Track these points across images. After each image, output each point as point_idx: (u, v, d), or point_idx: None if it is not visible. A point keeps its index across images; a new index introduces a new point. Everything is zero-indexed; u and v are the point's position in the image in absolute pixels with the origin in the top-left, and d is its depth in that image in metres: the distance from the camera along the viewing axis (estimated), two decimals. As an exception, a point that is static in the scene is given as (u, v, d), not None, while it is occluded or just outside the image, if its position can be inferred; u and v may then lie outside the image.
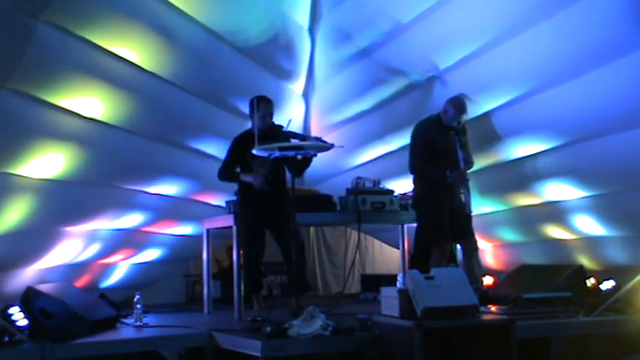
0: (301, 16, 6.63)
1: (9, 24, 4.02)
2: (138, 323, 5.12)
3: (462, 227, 5.48)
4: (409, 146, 5.67)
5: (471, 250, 5.55)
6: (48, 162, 4.80)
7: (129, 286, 6.56)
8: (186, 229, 6.97)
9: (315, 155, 4.96)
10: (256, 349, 4.05)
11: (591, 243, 5.89)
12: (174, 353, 5.36)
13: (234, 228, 5.53)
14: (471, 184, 5.54)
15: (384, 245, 8.73)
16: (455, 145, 5.35)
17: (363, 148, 6.97)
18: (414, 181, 5.68)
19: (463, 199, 5.47)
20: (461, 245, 5.63)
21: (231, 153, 5.36)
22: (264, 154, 4.74)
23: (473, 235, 5.57)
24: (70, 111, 4.74)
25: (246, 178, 5.24)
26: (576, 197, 5.62)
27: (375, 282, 7.00)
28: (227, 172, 5.37)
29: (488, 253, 7.01)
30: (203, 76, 5.69)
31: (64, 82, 4.57)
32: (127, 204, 5.96)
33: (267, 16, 6.00)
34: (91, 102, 4.85)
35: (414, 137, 5.59)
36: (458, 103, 5.42)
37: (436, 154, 5.43)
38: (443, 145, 5.39)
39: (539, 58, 4.98)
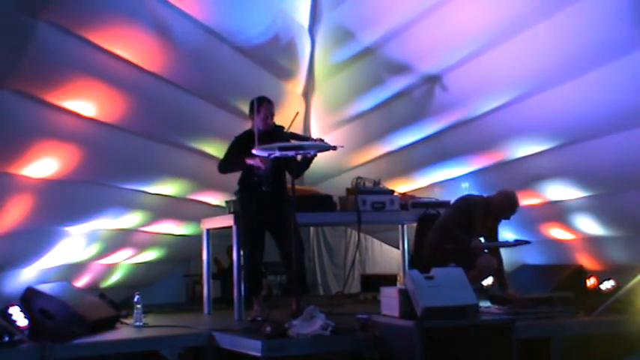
0: (301, 15, 6.63)
1: (9, 24, 4.02)
2: (138, 323, 5.12)
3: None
4: None
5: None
6: (48, 162, 4.80)
7: (129, 286, 6.56)
8: (186, 229, 6.97)
9: (315, 155, 4.97)
10: (256, 349, 4.06)
11: (591, 243, 5.89)
12: (174, 353, 5.36)
13: (234, 228, 5.52)
14: (471, 183, 5.49)
15: (384, 245, 8.72)
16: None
17: (363, 148, 6.97)
18: None
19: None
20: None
21: (231, 151, 5.32)
22: (264, 154, 4.73)
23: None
24: (70, 111, 4.74)
25: (253, 161, 5.05)
26: (576, 197, 5.62)
27: (375, 282, 6.99)
28: (229, 161, 5.28)
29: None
30: (203, 76, 5.69)
31: (64, 82, 4.57)
32: (127, 204, 5.96)
33: (267, 16, 5.99)
34: (90, 102, 4.85)
35: None
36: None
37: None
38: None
39: (539, 58, 4.98)
